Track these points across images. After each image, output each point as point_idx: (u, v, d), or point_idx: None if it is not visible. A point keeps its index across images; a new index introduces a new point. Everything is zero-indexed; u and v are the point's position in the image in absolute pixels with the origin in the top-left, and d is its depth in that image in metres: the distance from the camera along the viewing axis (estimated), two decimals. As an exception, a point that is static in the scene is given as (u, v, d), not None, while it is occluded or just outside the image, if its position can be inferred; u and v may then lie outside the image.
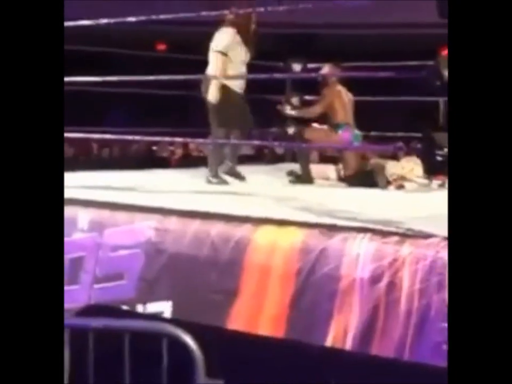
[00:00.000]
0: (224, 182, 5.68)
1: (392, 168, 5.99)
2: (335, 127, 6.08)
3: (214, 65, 5.61)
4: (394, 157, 6.57)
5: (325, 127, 6.13)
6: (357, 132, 6.16)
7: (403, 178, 5.94)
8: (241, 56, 5.67)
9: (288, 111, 6.23)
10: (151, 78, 5.26)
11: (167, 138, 7.02)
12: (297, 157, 6.23)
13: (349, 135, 6.10)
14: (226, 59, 5.59)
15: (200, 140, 7.39)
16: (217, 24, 5.66)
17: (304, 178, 6.08)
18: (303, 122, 6.38)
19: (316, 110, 6.14)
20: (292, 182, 6.10)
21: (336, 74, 6.01)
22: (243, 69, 5.71)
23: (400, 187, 5.84)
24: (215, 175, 5.71)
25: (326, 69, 6.24)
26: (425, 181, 5.92)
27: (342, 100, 6.15)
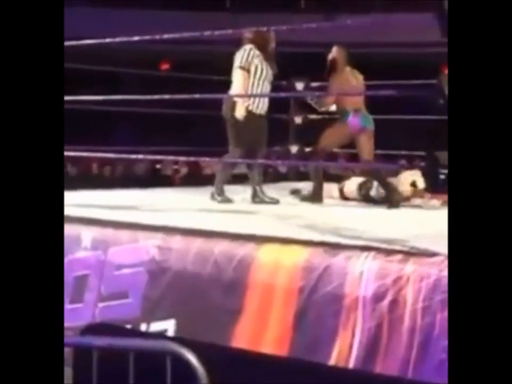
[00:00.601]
0: (228, 201, 5.68)
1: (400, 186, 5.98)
2: (342, 115, 5.90)
3: (236, 82, 5.64)
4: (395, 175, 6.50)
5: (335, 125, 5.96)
6: (367, 114, 5.95)
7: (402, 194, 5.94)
8: (263, 73, 5.67)
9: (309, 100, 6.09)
10: (155, 97, 5.28)
11: (170, 157, 7.04)
12: (311, 176, 6.05)
13: (357, 121, 5.88)
14: (248, 75, 5.61)
15: (206, 159, 7.41)
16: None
17: (315, 197, 5.96)
18: (304, 140, 6.38)
19: (327, 101, 5.98)
20: (302, 200, 5.99)
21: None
22: (268, 87, 5.72)
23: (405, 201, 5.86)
24: (221, 193, 5.70)
25: (333, 52, 6.00)
26: (428, 197, 5.91)
27: (350, 84, 5.94)
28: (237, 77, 5.63)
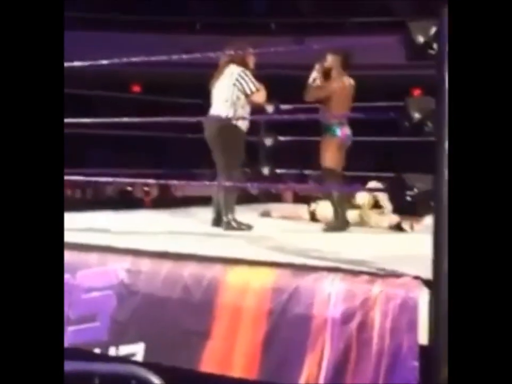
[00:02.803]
0: (248, 227, 5.52)
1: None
2: (330, 130, 5.72)
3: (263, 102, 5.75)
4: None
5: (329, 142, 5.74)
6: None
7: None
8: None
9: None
10: (126, 119, 5.28)
11: (140, 180, 7.03)
12: (335, 201, 5.69)
13: (346, 132, 5.75)
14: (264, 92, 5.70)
15: (182, 182, 7.40)
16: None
17: (340, 224, 5.66)
18: (276, 162, 6.36)
19: (320, 93, 5.77)
20: (325, 230, 5.63)
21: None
22: (248, 108, 5.73)
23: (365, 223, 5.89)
24: (235, 219, 5.53)
25: (327, 60, 5.83)
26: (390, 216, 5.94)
27: (345, 96, 5.79)
28: (261, 99, 5.71)
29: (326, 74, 5.85)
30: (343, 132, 5.75)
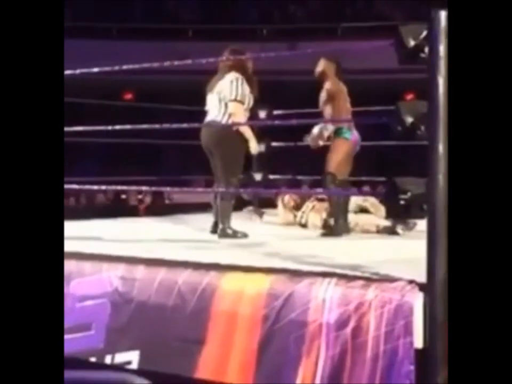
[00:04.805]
0: (243, 235, 5.43)
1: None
2: (343, 133, 5.65)
3: (238, 117, 5.47)
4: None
5: (340, 147, 5.65)
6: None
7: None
8: (250, 102, 5.59)
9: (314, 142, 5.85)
10: (118, 127, 5.27)
11: (133, 187, 7.02)
12: (333, 206, 5.65)
13: (356, 137, 5.70)
14: (243, 107, 5.50)
15: (176, 189, 7.39)
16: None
17: (341, 228, 5.60)
18: (268, 167, 6.35)
19: (326, 112, 5.64)
20: (323, 235, 5.60)
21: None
22: (248, 115, 5.64)
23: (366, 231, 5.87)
24: (230, 227, 5.45)
25: (320, 65, 5.82)
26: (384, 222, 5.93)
27: (345, 96, 5.77)
28: (237, 111, 5.47)
29: (321, 81, 5.82)
30: (354, 136, 5.70)
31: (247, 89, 5.53)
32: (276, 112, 7.26)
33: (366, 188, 6.23)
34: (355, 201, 6.09)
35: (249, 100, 5.57)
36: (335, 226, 5.63)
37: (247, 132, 5.49)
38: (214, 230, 5.61)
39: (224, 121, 5.51)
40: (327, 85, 5.75)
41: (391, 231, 5.77)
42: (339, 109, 5.69)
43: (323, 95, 5.78)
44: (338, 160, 5.62)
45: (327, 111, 5.73)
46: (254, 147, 5.52)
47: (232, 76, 5.51)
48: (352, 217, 5.89)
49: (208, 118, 5.65)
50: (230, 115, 5.49)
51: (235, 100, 5.47)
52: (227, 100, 5.49)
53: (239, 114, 5.49)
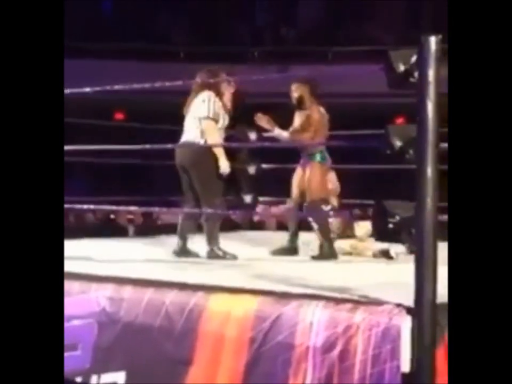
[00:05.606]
0: (233, 257, 5.40)
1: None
2: (313, 156, 5.67)
3: (211, 134, 5.45)
4: None
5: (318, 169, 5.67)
6: None
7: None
8: (224, 121, 5.57)
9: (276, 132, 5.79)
10: (109, 147, 5.28)
11: (122, 207, 7.01)
12: (319, 230, 5.62)
13: (329, 159, 5.75)
14: (216, 125, 5.47)
15: (164, 209, 7.39)
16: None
17: (328, 252, 5.58)
18: (258, 189, 6.33)
19: (305, 137, 5.66)
20: (314, 258, 5.57)
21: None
22: (223, 135, 5.60)
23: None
24: (219, 248, 5.43)
25: (295, 90, 5.76)
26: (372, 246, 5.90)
27: (324, 122, 5.76)
28: (210, 128, 5.44)
29: (299, 104, 5.78)
30: (327, 157, 5.74)
31: (220, 107, 5.52)
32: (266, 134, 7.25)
33: (356, 211, 6.23)
34: (366, 226, 6.01)
35: (223, 118, 5.55)
36: (321, 250, 5.63)
37: (217, 150, 5.47)
38: (178, 252, 5.53)
39: (197, 140, 5.49)
40: (311, 112, 5.71)
41: (386, 255, 5.73)
42: (317, 134, 5.69)
43: (303, 120, 5.72)
44: (320, 185, 5.67)
45: (306, 135, 5.71)
46: (224, 166, 5.45)
47: (205, 94, 5.49)
48: (349, 242, 5.88)
49: (183, 138, 5.61)
50: (202, 132, 5.48)
51: (207, 118, 5.46)
52: (201, 117, 5.48)
53: (212, 132, 5.48)
